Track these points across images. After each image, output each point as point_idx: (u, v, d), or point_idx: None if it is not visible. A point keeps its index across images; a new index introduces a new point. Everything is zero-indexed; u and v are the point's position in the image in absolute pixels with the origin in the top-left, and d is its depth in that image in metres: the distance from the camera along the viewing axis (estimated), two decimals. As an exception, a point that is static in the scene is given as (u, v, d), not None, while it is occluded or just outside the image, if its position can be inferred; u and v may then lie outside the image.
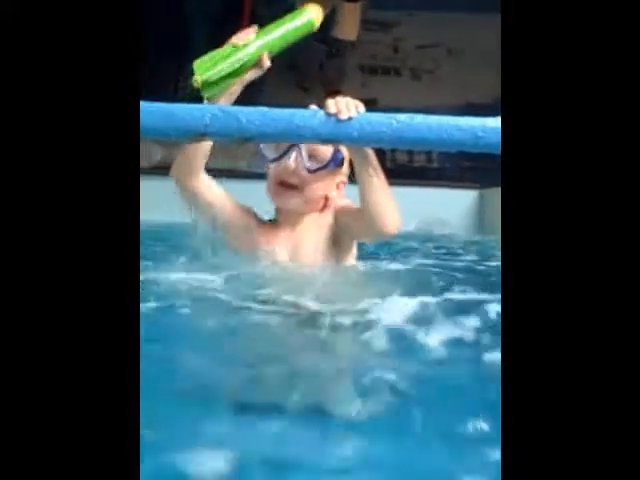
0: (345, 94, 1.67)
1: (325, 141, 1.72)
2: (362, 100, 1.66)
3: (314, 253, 2.04)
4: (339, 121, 1.59)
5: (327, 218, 2.06)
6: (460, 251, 3.28)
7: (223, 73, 1.82)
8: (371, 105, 1.64)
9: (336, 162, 1.99)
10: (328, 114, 1.60)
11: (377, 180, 1.83)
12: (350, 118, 1.59)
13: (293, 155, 1.96)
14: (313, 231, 2.05)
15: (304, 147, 1.96)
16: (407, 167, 5.60)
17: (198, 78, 1.80)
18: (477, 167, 4.88)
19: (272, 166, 2.02)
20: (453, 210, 4.83)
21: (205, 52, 1.85)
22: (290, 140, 1.78)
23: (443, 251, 3.25)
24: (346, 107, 1.61)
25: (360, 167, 1.82)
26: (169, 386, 1.13)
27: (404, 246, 3.21)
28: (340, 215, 2.04)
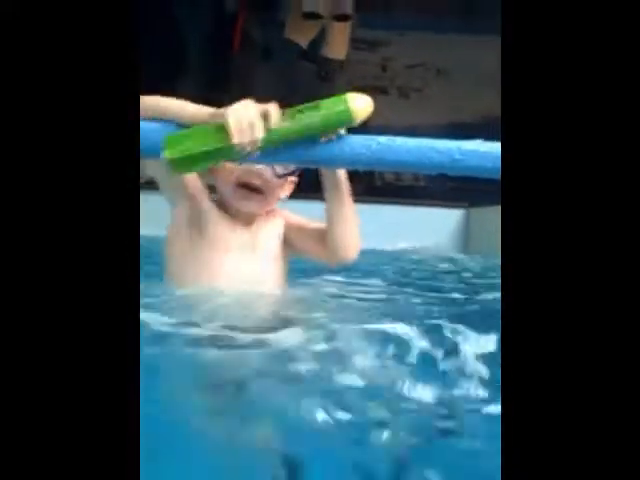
0: None
1: (304, 163, 1.72)
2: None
3: (268, 254, 1.98)
4: (318, 143, 1.58)
5: (278, 225, 2.02)
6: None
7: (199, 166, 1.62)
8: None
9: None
10: (307, 136, 1.59)
11: (347, 207, 1.84)
12: (330, 140, 1.58)
13: None
14: (266, 232, 2.00)
15: None
16: (394, 185, 5.61)
17: (168, 155, 1.55)
18: (464, 186, 4.88)
19: (226, 165, 1.89)
20: (440, 229, 4.83)
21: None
22: (267, 161, 1.77)
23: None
24: None
25: (331, 193, 1.83)
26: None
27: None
28: (292, 231, 2.01)
